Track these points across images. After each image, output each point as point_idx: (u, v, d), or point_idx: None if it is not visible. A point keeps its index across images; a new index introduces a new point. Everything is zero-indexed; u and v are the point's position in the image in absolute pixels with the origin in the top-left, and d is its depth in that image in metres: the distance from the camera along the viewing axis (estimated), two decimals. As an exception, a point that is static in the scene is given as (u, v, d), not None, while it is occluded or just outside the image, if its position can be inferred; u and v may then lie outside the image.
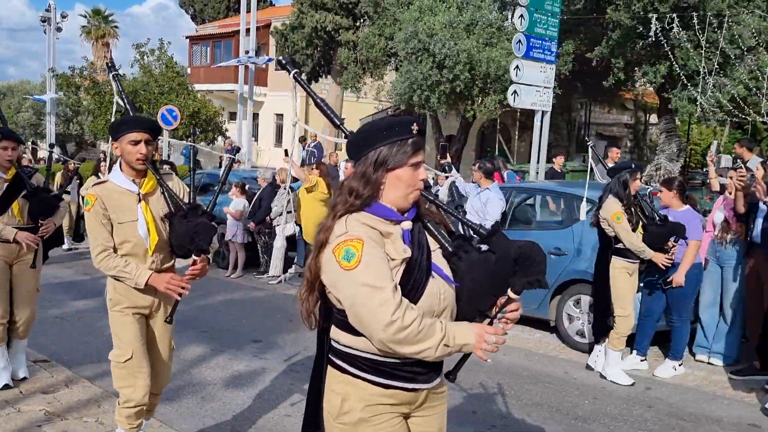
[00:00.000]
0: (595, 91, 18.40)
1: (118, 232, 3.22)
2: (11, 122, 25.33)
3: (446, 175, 7.89)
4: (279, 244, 2.92)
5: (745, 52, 12.83)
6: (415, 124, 2.10)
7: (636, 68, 15.10)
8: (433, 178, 10.22)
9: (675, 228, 5.35)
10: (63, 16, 22.47)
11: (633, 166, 5.60)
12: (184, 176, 12.36)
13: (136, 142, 3.19)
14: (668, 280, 5.53)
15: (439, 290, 2.07)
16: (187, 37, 31.99)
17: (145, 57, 24.65)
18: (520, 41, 11.41)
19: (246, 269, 9.49)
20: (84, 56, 29.79)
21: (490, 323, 2.11)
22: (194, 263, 3.29)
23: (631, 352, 5.79)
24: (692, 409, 4.86)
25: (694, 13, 12.61)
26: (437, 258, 2.14)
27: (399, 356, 2.02)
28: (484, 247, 2.17)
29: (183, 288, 3.23)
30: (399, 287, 1.97)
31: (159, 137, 16.90)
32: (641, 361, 5.76)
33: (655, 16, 12.83)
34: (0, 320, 4.43)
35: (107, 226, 3.20)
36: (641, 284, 5.59)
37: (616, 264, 5.36)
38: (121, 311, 3.26)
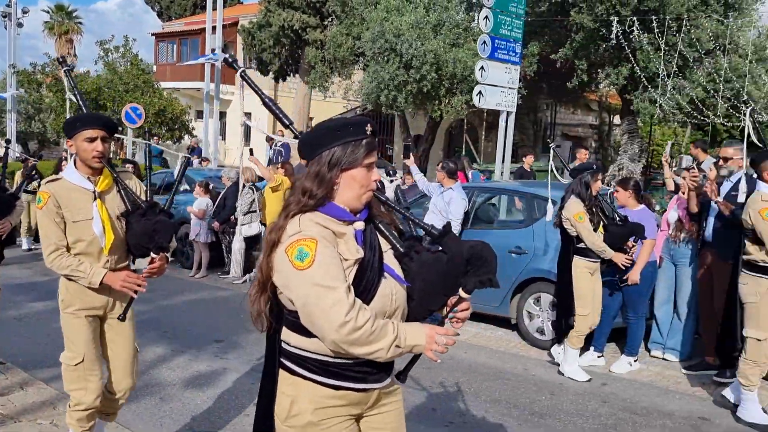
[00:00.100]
0: (560, 92, 18.67)
1: (71, 230, 3.16)
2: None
3: (391, 179, 7.95)
4: (237, 246, 2.90)
5: (704, 56, 13.16)
6: (369, 125, 2.10)
7: (599, 70, 15.39)
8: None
9: (634, 228, 5.48)
10: (24, 12, 21.99)
11: (594, 167, 5.71)
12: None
13: (92, 140, 3.13)
14: (624, 278, 5.66)
15: (391, 291, 2.08)
16: (152, 34, 31.56)
17: (109, 54, 24.30)
18: (485, 42, 11.51)
19: (211, 269, 9.43)
20: (46, 53, 29.23)
21: (441, 323, 2.14)
22: (152, 261, 3.26)
23: (588, 349, 5.90)
24: (645, 403, 4.99)
25: (654, 17, 12.88)
26: (389, 258, 2.15)
27: (349, 357, 2.02)
28: (435, 248, 2.20)
29: (139, 285, 3.18)
30: (352, 288, 1.97)
31: (120, 135, 16.55)
32: (598, 357, 5.89)
33: (616, 19, 13.07)
34: None
35: (60, 224, 3.15)
36: None
37: (578, 263, 5.46)
38: (73, 313, 3.21)
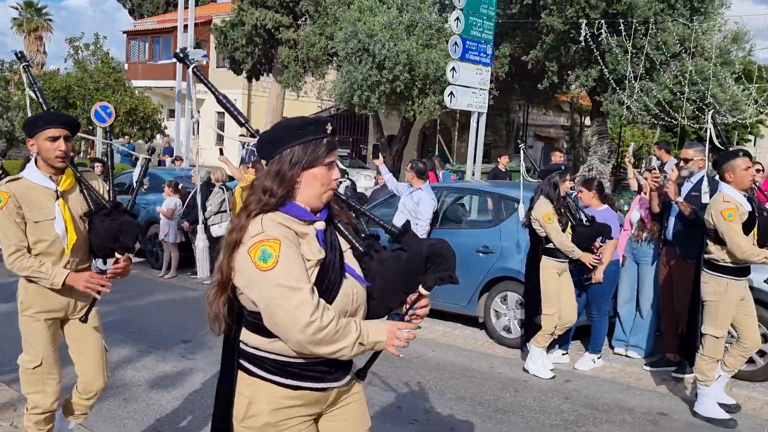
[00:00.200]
0: (531, 94, 18.88)
1: (32, 230, 3.11)
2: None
3: (340, 180, 7.99)
4: (201, 245, 2.89)
5: (670, 59, 13.40)
6: (329, 123, 2.11)
7: (569, 72, 15.59)
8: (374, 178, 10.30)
9: (602, 228, 5.57)
10: (-9, 8, 21.60)
11: (563, 167, 5.79)
12: (118, 174, 12.09)
13: (54, 139, 3.08)
14: (587, 276, 5.76)
15: (353, 290, 2.10)
16: (124, 32, 31.19)
17: (79, 52, 23.98)
18: (456, 43, 11.59)
19: (180, 269, 9.38)
20: (14, 50, 28.68)
21: (402, 320, 2.17)
22: (117, 262, 3.24)
23: (554, 347, 5.99)
24: (607, 399, 5.09)
25: (622, 20, 13.09)
26: (348, 258, 2.17)
27: (308, 356, 2.03)
28: (395, 246, 2.22)
29: (103, 286, 3.13)
30: (315, 288, 1.98)
31: (89, 135, 16.29)
32: (563, 354, 5.99)
33: (585, 21, 13.26)
34: None
35: (21, 225, 3.09)
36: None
37: (546, 264, 5.51)
38: (31, 316, 3.17)
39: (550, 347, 5.78)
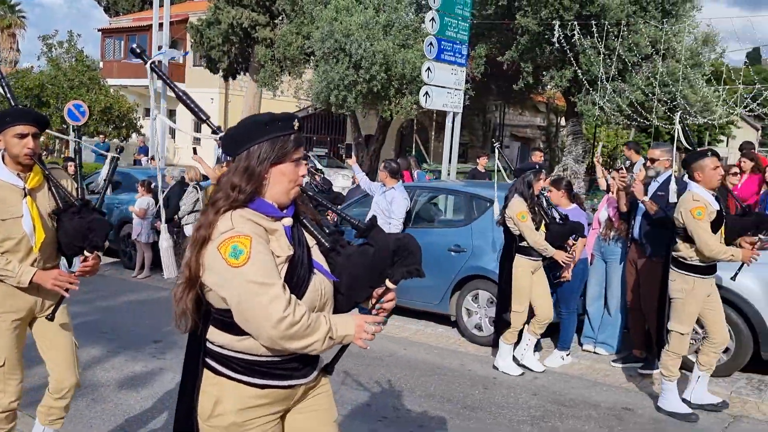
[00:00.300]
0: (507, 94, 19.03)
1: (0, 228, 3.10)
2: None
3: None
4: (165, 245, 2.85)
5: (642, 60, 13.60)
6: (296, 119, 2.12)
7: (544, 72, 15.73)
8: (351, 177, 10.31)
9: (575, 227, 5.64)
10: (-38, 4, 21.24)
11: (537, 166, 5.86)
12: (90, 174, 11.97)
13: (23, 136, 3.06)
14: (558, 274, 5.84)
15: (321, 285, 2.12)
16: (99, 30, 30.84)
17: (53, 49, 23.67)
18: (431, 44, 11.65)
19: (154, 269, 9.32)
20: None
21: (368, 314, 2.18)
22: (85, 260, 3.22)
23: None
24: (573, 395, 5.17)
25: (595, 22, 13.26)
26: (315, 254, 2.19)
27: (277, 354, 2.04)
28: (361, 241, 2.25)
29: (71, 284, 3.10)
30: (285, 284, 1.99)
31: (63, 135, 16.12)
32: (534, 352, 6.05)
33: (558, 23, 13.41)
34: None
35: None
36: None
37: (520, 262, 5.56)
38: None
39: (535, 348, 5.84)
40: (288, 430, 2.23)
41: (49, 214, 3.19)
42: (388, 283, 2.16)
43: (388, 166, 7.21)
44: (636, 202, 5.75)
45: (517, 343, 5.84)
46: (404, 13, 16.59)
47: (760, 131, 38.89)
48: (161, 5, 17.72)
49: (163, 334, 6.33)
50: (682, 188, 5.24)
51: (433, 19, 11.53)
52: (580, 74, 13.97)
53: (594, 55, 13.85)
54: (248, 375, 2.06)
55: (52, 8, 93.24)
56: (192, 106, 2.41)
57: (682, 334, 4.73)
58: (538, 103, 23.28)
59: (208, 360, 2.10)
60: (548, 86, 17.55)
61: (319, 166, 17.56)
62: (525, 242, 5.50)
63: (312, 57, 17.81)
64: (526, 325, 5.72)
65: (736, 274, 5.06)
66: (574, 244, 5.67)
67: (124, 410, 4.47)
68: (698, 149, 5.04)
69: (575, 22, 13.42)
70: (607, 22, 13.22)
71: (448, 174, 12.25)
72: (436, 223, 7.82)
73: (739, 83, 13.01)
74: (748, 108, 14.15)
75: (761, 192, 7.84)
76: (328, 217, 6.78)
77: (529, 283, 5.56)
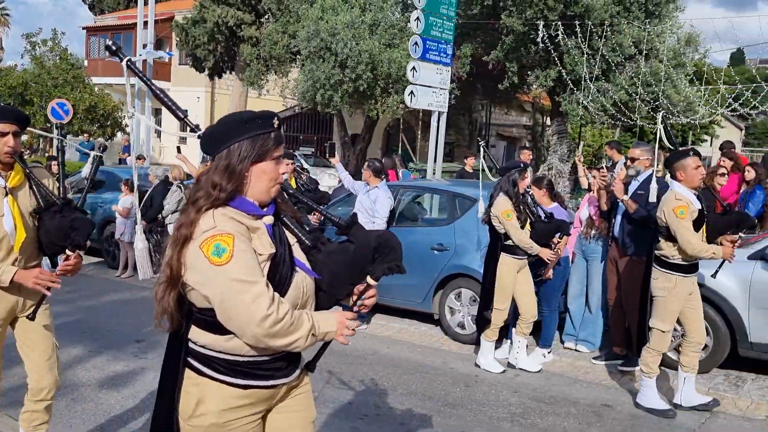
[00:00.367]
0: (493, 93, 19.10)
1: None
2: None
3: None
4: (141, 246, 2.76)
5: (625, 60, 13.70)
6: (276, 117, 2.13)
7: (529, 72, 15.81)
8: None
9: (560, 224, 5.68)
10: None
11: (522, 165, 5.89)
12: (73, 173, 11.88)
13: (3, 134, 3.04)
14: (539, 273, 5.88)
15: (303, 283, 2.13)
16: (84, 28, 30.61)
17: (36, 48, 23.47)
18: (416, 43, 11.68)
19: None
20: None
21: (349, 311, 2.20)
22: (67, 258, 3.20)
23: (506, 342, 6.10)
24: (554, 392, 5.22)
25: (577, 22, 13.34)
26: (297, 252, 2.20)
27: (260, 353, 2.05)
28: (342, 238, 2.27)
29: (53, 283, 3.09)
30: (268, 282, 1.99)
31: (46, 133, 15.94)
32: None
33: (542, 23, 13.48)
34: None
35: None
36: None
37: (505, 261, 5.57)
38: None
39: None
40: (268, 430, 2.24)
41: (31, 213, 3.17)
42: (369, 279, 2.17)
43: (372, 165, 7.23)
44: (617, 201, 5.80)
45: (499, 342, 5.88)
46: (390, 12, 16.60)
47: (743, 131, 39.32)
48: (146, 3, 17.67)
49: (146, 333, 6.31)
50: (662, 188, 5.31)
51: (418, 18, 11.56)
52: (564, 74, 14.05)
53: (578, 55, 13.93)
54: (231, 375, 2.06)
55: (37, 6, 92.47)
56: (170, 104, 2.39)
57: (663, 332, 4.78)
58: (524, 103, 23.39)
59: (190, 360, 2.10)
60: (533, 86, 17.64)
61: (305, 165, 17.57)
62: (510, 241, 5.52)
63: (298, 56, 17.78)
64: (513, 328, 5.76)
65: (717, 271, 5.13)
66: (559, 242, 5.71)
67: (105, 410, 4.46)
68: (680, 149, 5.08)
69: (559, 23, 13.49)
70: (590, 23, 13.30)
71: (434, 173, 12.29)
72: (419, 222, 7.85)
73: (721, 83, 13.14)
74: (730, 108, 14.28)
75: (741, 191, 7.95)
76: (314, 216, 6.78)
77: (513, 282, 5.59)
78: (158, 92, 2.41)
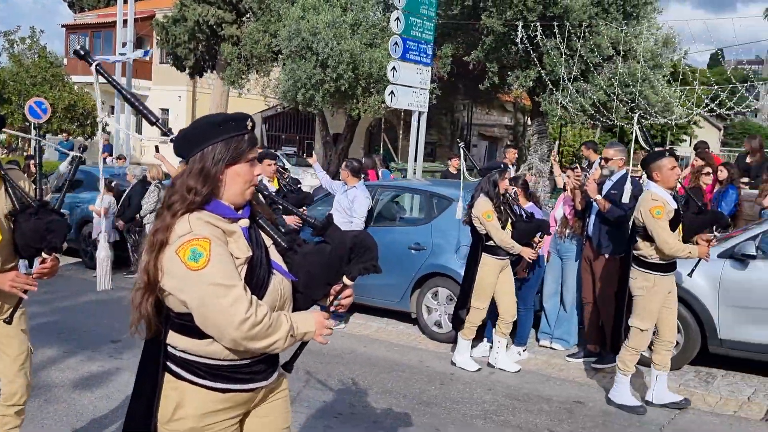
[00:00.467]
0: (474, 93, 19.20)
1: None
2: None
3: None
4: (103, 255, 2.63)
5: (604, 61, 13.83)
6: (249, 119, 2.13)
7: (509, 72, 15.91)
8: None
9: (541, 224, 5.73)
10: None
11: (502, 166, 5.93)
12: (52, 172, 11.76)
13: None
14: (514, 271, 5.93)
15: (280, 285, 2.14)
16: (63, 26, 30.31)
17: (14, 45, 23.22)
18: (396, 43, 11.71)
19: (116, 269, 9.20)
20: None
21: (327, 311, 2.21)
22: (43, 261, 3.18)
23: (482, 340, 6.15)
24: (527, 390, 5.28)
25: (556, 23, 13.45)
26: (273, 254, 2.20)
27: (240, 356, 2.05)
28: (317, 239, 2.28)
29: (30, 285, 3.05)
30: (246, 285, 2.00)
31: (24, 134, 15.75)
32: (490, 348, 6.15)
33: (522, 24, 13.58)
34: None
35: None
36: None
37: (487, 261, 5.59)
38: None
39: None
40: None
41: (6, 216, 3.14)
42: (345, 279, 2.19)
43: (350, 165, 7.24)
44: (591, 201, 5.87)
45: (476, 341, 5.93)
46: (371, 12, 16.64)
47: (722, 131, 39.82)
48: (126, 2, 17.54)
49: (122, 334, 6.29)
50: (636, 188, 5.38)
51: (398, 18, 11.59)
52: (543, 75, 14.16)
53: (557, 55, 14.06)
54: (210, 380, 2.06)
55: (16, 3, 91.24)
56: (141, 108, 2.38)
57: (642, 330, 4.82)
58: (506, 103, 23.53)
59: (169, 364, 2.09)
60: (514, 86, 17.75)
61: (287, 165, 17.54)
62: (492, 241, 5.53)
63: (279, 55, 17.74)
64: (494, 329, 5.80)
65: (693, 270, 5.21)
66: (540, 241, 5.76)
67: (78, 411, 4.44)
68: (656, 149, 5.13)
69: (539, 24, 13.60)
70: (569, 24, 13.43)
71: (414, 173, 12.33)
72: (397, 221, 7.88)
73: (697, 84, 13.32)
74: (707, 108, 14.48)
75: (715, 190, 8.07)
76: (291, 217, 6.78)
77: (495, 282, 5.61)
78: (129, 96, 2.41)
